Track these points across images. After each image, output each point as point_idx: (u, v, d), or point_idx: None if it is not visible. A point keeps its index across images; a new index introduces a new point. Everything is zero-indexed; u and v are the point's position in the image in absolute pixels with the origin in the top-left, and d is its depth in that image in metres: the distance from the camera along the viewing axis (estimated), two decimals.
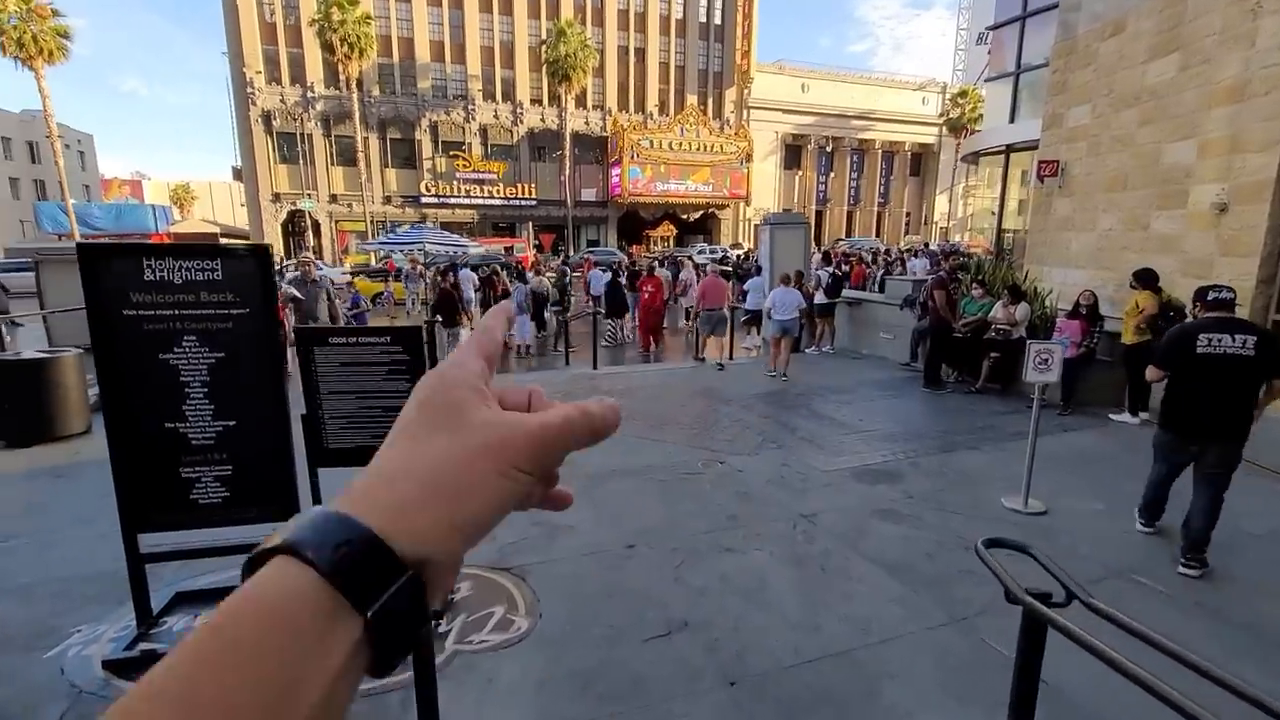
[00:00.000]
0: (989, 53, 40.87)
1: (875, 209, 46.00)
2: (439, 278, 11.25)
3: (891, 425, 6.86)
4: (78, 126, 46.52)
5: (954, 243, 33.05)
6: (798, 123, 42.53)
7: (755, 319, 12.91)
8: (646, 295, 11.67)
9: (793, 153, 43.65)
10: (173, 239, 33.78)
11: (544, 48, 35.06)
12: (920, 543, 4.26)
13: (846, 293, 11.31)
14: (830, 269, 10.86)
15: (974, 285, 8.58)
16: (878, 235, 43.56)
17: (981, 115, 42.83)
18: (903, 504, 4.87)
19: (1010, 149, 13.61)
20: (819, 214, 44.67)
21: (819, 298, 10.74)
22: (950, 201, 47.14)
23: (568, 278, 14.69)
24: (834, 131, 43.25)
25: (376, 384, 3.14)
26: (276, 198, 33.77)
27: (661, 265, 15.18)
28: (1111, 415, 6.96)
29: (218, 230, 35.61)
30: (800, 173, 43.74)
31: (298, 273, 8.08)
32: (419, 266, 13.96)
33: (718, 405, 7.63)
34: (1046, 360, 4.51)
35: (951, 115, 43.35)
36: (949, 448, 6.12)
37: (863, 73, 51.98)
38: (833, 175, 44.34)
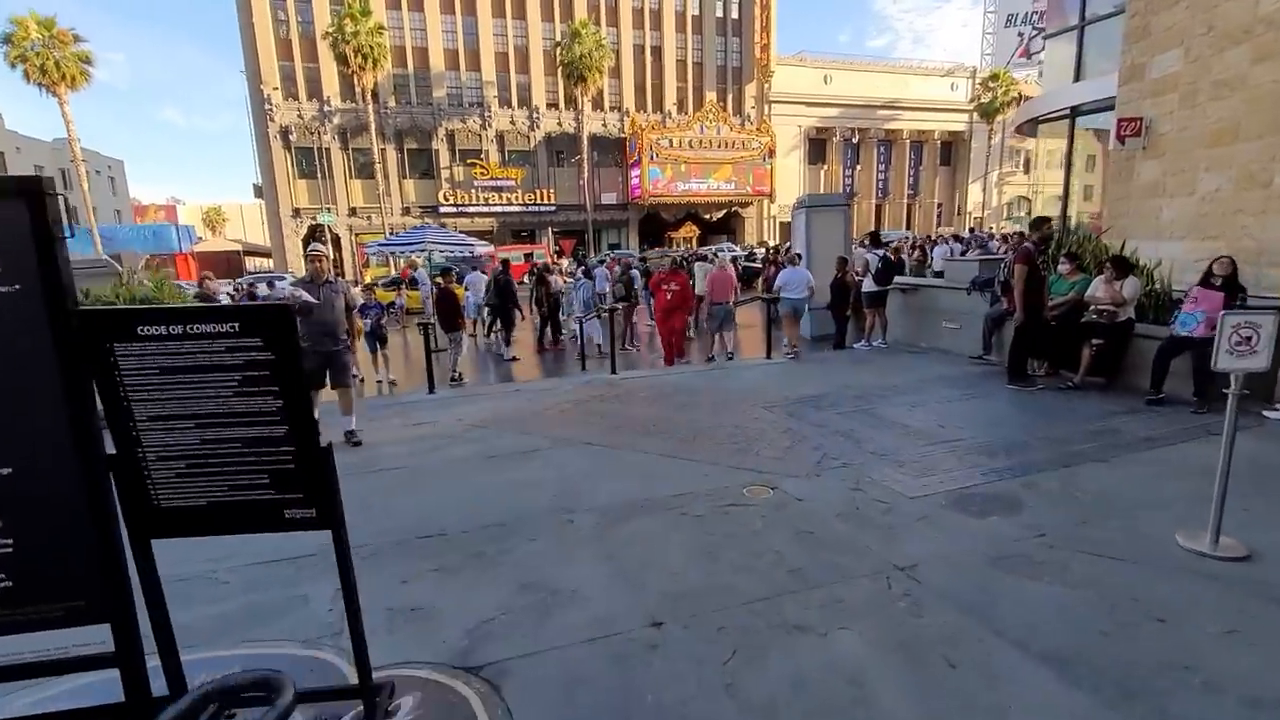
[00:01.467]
0: (1037, 15, 38.57)
1: (905, 201, 44.04)
2: (438, 277, 10.12)
3: (982, 433, 5.43)
4: (108, 153, 47.04)
5: (987, 230, 31.15)
6: (821, 115, 40.89)
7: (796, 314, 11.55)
8: (669, 295, 9.62)
9: (817, 146, 42.01)
10: (196, 258, 33.61)
11: (559, 50, 34.11)
12: (1083, 612, 2.86)
13: (900, 279, 9.84)
14: (880, 252, 9.41)
15: (1062, 260, 7.09)
16: (908, 228, 41.59)
17: (1017, 98, 40.80)
18: (1034, 546, 3.47)
19: (1076, 111, 11.99)
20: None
21: (867, 284, 9.31)
22: (984, 190, 44.99)
23: (631, 273, 13.28)
24: (859, 123, 41.49)
25: (225, 401, 1.89)
26: (296, 213, 33.35)
27: (683, 265, 13.89)
28: (1266, 412, 5.43)
29: (240, 248, 35.41)
30: (825, 167, 42.08)
31: (307, 271, 6.39)
32: (421, 270, 12.93)
33: (759, 411, 6.28)
34: (1250, 339, 3.09)
35: (983, 100, 41.26)
36: (1067, 461, 4.68)
37: (888, 61, 50.06)
38: (859, 168, 42.54)
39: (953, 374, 7.56)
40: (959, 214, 44.71)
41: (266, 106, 32.33)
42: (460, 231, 28.70)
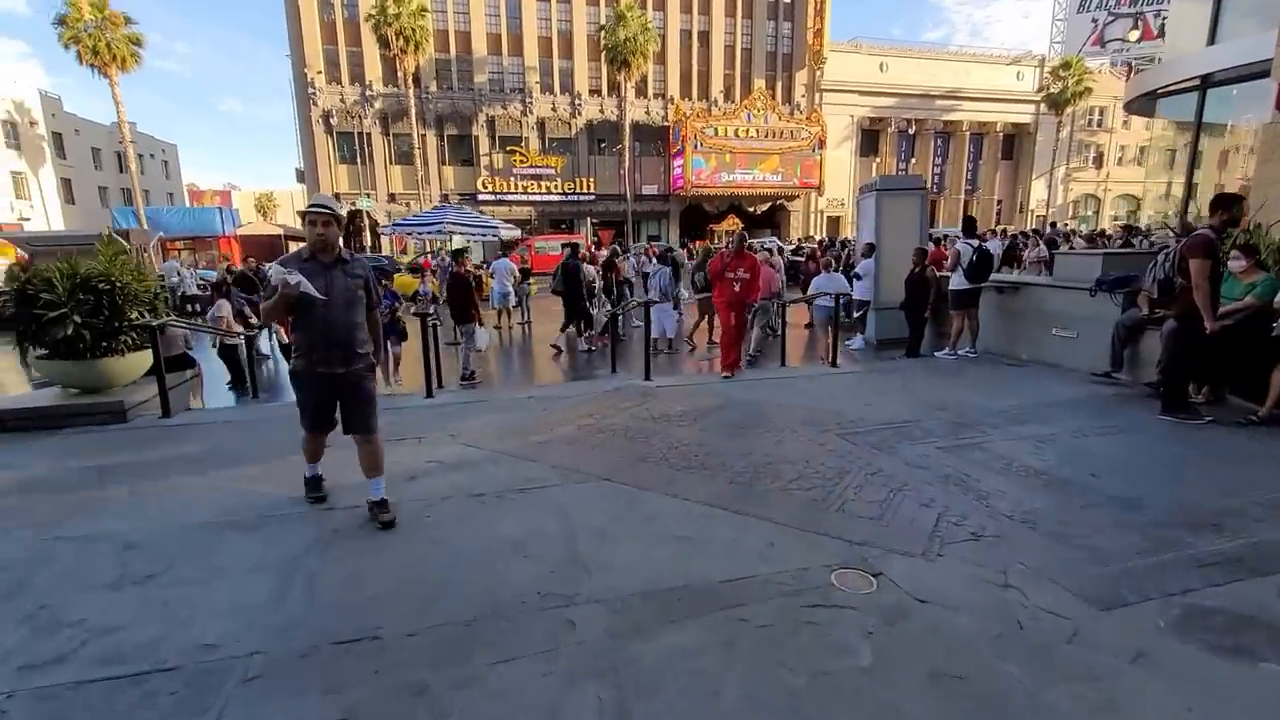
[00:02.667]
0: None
1: (962, 196, 41.25)
2: (451, 261, 8.86)
3: (1160, 489, 3.82)
4: (164, 138, 47.67)
5: (1064, 227, 28.65)
6: (875, 105, 38.50)
7: (863, 314, 9.97)
8: (737, 286, 7.15)
9: (869, 138, 39.61)
10: (239, 240, 33.46)
11: (602, 34, 32.71)
12: None
13: (998, 276, 8.15)
14: (975, 243, 7.72)
15: (1234, 254, 5.36)
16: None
17: (1088, 89, 37.72)
18: None
19: (1208, 81, 9.99)
20: None
21: (957, 281, 7.65)
22: (1049, 187, 41.90)
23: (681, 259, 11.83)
24: (916, 113, 38.94)
25: None
26: (336, 198, 32.68)
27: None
28: None
29: (281, 232, 35.11)
30: (878, 159, 39.66)
31: (307, 245, 3.56)
32: (444, 255, 11.74)
33: (833, 440, 4.78)
34: None
35: (1052, 90, 38.25)
36: None
37: (949, 48, 47.11)
38: (914, 161, 39.95)
39: (1076, 396, 5.90)
40: (1020, 211, 41.75)
41: (310, 91, 31.84)
42: (498, 219, 27.76)
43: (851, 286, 9.46)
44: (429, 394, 6.27)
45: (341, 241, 3.49)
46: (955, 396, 5.94)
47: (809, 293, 9.93)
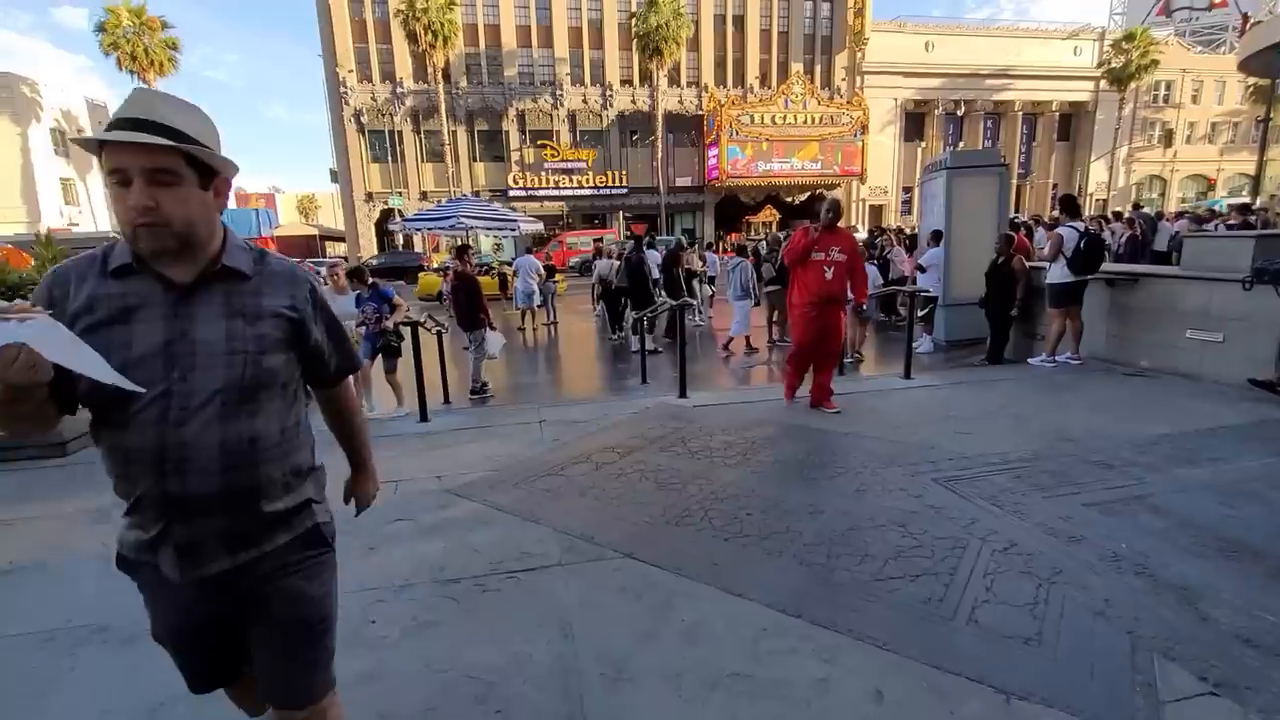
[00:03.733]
0: None
1: (1014, 181, 38.63)
2: (455, 258, 7.82)
3: None
4: None
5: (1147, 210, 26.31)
6: (921, 86, 36.27)
7: (930, 311, 8.64)
8: (829, 273, 4.95)
9: (914, 121, 37.41)
10: (275, 241, 33.45)
11: (634, 21, 31.45)
12: None
13: (1111, 267, 6.70)
14: (1081, 226, 6.30)
15: None
16: (1017, 211, 36.51)
17: (1154, 62, 34.80)
18: None
19: None
20: None
21: (1056, 274, 6.24)
22: (1110, 169, 39.02)
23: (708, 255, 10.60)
24: (964, 94, 36.57)
25: None
26: (369, 197, 32.47)
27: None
28: None
29: (316, 232, 35.11)
30: (923, 144, 37.42)
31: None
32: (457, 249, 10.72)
33: (933, 489, 3.52)
34: None
35: (1114, 64, 35.42)
36: None
37: (1000, 24, 44.34)
38: (962, 145, 37.57)
39: (1241, 420, 4.50)
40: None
41: (341, 90, 31.45)
42: (530, 215, 26.83)
43: (914, 279, 8.11)
44: (423, 416, 5.23)
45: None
46: (1080, 422, 4.61)
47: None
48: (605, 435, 4.73)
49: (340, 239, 35.49)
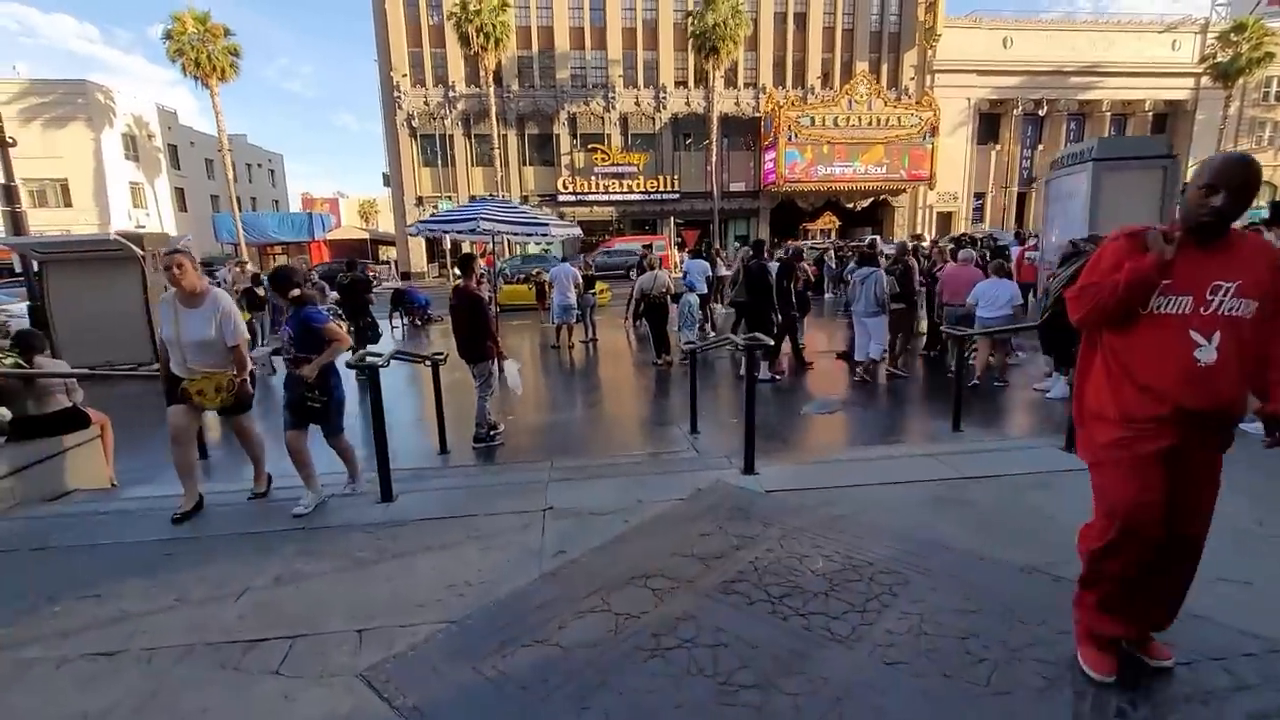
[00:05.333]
0: None
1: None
2: (454, 272, 6.35)
3: None
4: (270, 147, 49.33)
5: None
6: (996, 85, 33.32)
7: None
8: (1208, 354, 1.81)
9: (988, 122, 34.41)
10: (328, 244, 33.30)
11: (689, 20, 29.84)
12: None
13: None
14: None
15: None
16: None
17: (1269, 55, 30.89)
18: None
19: None
20: (1021, 195, 35.05)
21: None
22: None
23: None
24: (1045, 92, 33.39)
25: None
26: (420, 201, 31.91)
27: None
28: None
29: (367, 236, 34.86)
30: (998, 146, 34.41)
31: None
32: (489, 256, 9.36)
33: None
34: None
35: (1220, 59, 31.64)
36: None
37: (1087, 17, 40.63)
38: (1040, 148, 34.40)
39: None
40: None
41: (395, 95, 31.02)
42: (578, 222, 25.47)
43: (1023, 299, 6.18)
44: (385, 494, 3.70)
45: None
46: None
47: (968, 302, 6.86)
48: (633, 547, 3.09)
49: (392, 243, 35.16)
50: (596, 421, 6.54)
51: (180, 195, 36.03)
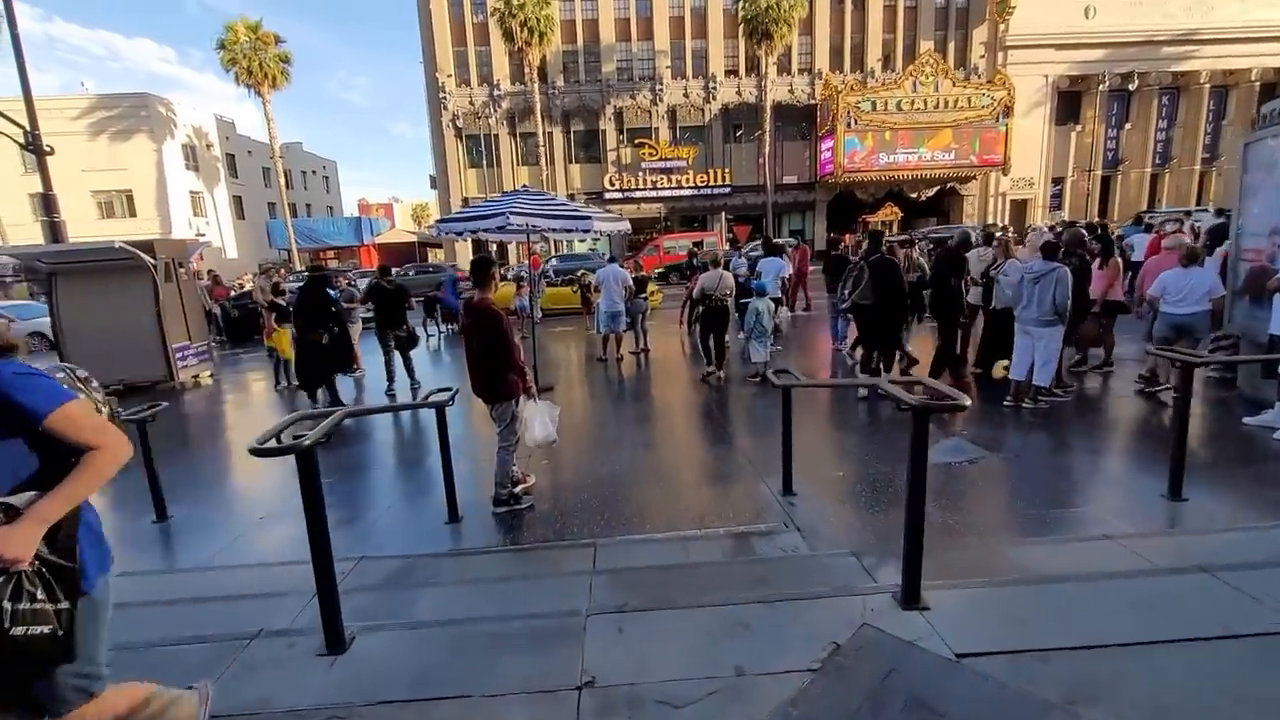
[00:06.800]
0: None
1: (1196, 168, 31.46)
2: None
3: None
4: (324, 154, 49.78)
5: None
6: (1077, 60, 30.11)
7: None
8: None
9: (1068, 101, 31.18)
10: (376, 247, 32.97)
11: (740, 4, 27.96)
12: None
13: None
14: None
15: None
16: (1198, 203, 29.44)
17: None
18: None
19: None
20: (1105, 180, 31.70)
21: None
22: None
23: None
24: (1134, 65, 29.95)
25: None
26: (465, 202, 31.14)
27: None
28: None
29: (415, 239, 34.40)
30: (1079, 127, 31.14)
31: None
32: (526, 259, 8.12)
33: None
34: None
35: None
36: None
37: None
38: (1127, 127, 30.97)
39: None
40: None
41: (440, 95, 30.30)
42: (620, 216, 24.00)
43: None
44: (332, 639, 2.31)
45: None
46: None
47: (1151, 295, 5.08)
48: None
49: (438, 245, 34.62)
50: (654, 470, 5.04)
51: (238, 203, 36.43)
